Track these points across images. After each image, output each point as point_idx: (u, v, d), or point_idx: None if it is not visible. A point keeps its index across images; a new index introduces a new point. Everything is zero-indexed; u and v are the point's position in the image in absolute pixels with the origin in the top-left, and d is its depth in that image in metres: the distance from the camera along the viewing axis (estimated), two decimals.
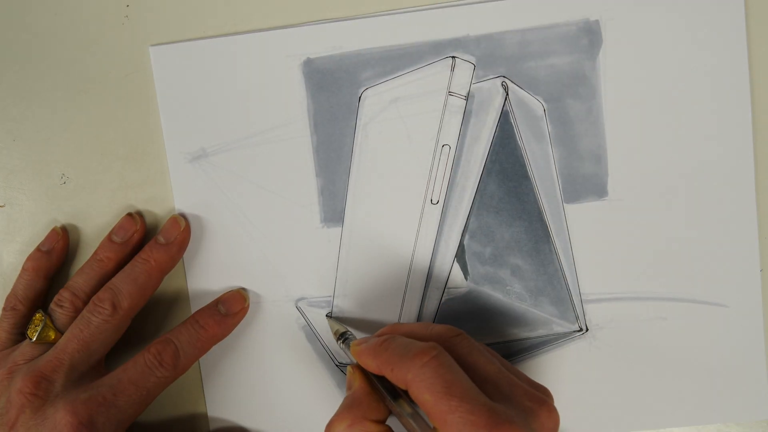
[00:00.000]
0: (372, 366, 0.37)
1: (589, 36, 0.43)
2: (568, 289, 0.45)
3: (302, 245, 0.46)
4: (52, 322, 0.43)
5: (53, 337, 0.43)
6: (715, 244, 0.44)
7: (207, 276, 0.46)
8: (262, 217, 0.45)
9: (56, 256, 0.46)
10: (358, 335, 0.43)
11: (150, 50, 0.45)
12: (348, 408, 0.37)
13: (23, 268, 0.46)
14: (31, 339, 0.43)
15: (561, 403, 0.44)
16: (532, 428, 0.33)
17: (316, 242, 0.46)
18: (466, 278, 0.45)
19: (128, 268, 0.44)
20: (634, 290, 0.45)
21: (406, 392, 0.36)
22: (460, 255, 0.45)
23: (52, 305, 0.44)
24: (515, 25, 0.44)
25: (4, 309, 0.45)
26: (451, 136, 0.44)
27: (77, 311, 0.43)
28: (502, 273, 0.45)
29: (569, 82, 0.44)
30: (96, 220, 0.47)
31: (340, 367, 0.46)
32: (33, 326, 0.43)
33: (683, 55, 0.43)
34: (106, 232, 0.46)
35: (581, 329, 0.45)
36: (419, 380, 0.34)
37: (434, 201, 0.44)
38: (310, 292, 0.46)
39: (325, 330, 0.46)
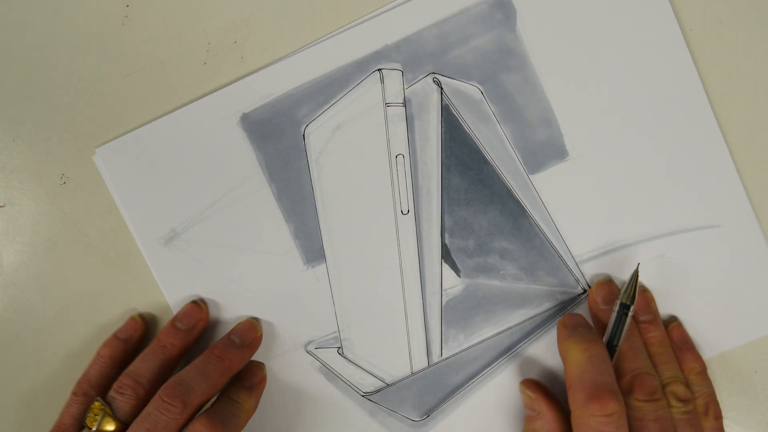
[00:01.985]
0: (565, 358, 0.40)
1: (502, 9, 0.44)
2: (560, 256, 0.45)
3: (293, 291, 0.46)
4: (113, 410, 0.41)
5: (113, 428, 0.41)
6: (689, 169, 0.44)
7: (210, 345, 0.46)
8: (247, 277, 0.46)
9: (133, 344, 0.46)
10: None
11: (97, 153, 0.46)
12: None
13: (99, 354, 0.45)
14: (91, 429, 0.41)
15: None
16: None
17: (305, 285, 0.46)
18: (458, 275, 0.45)
19: (200, 364, 0.42)
20: (624, 238, 0.44)
21: None
22: (446, 255, 0.45)
23: (112, 392, 0.42)
24: (428, 20, 0.44)
25: (74, 393, 0.44)
26: (401, 145, 0.44)
27: (139, 399, 0.42)
28: (492, 259, 0.45)
29: (497, 58, 0.44)
30: (96, 220, 0.47)
31: (367, 396, 0.46)
32: (93, 415, 0.41)
33: (600, 4, 0.43)
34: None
35: (585, 291, 0.45)
36: (582, 421, 0.37)
37: (404, 211, 0.45)
38: (315, 334, 0.46)
39: (341, 365, 0.46)
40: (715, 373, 0.45)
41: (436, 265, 0.45)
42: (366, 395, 0.46)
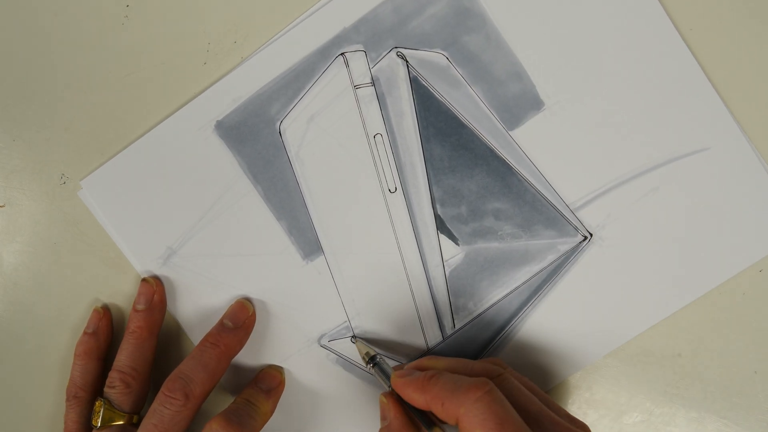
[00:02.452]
0: (418, 401, 0.38)
1: None
2: (555, 207, 0.44)
3: (297, 288, 0.46)
4: (111, 404, 0.44)
5: (117, 420, 0.43)
6: (668, 98, 0.43)
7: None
8: (249, 281, 0.46)
9: (103, 335, 0.47)
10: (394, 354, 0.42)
11: (82, 185, 0.46)
12: None
13: (75, 354, 0.46)
14: (96, 426, 0.43)
15: (603, 311, 0.43)
16: None
17: (307, 280, 0.46)
18: (457, 244, 0.45)
19: (197, 353, 0.43)
20: (614, 176, 0.44)
21: (443, 423, 0.37)
22: (441, 226, 0.45)
23: (105, 389, 0.44)
24: None
25: (67, 399, 0.45)
26: (377, 125, 0.44)
27: (129, 387, 0.44)
28: (487, 222, 0.45)
29: (456, 22, 0.44)
30: (96, 220, 0.47)
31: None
32: (96, 414, 0.44)
33: None
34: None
35: (585, 237, 0.44)
36: (472, 415, 0.35)
37: (392, 189, 0.44)
38: (326, 327, 0.46)
39: (356, 355, 0.46)
40: (714, 373, 0.44)
41: (432, 237, 0.45)
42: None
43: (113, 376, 0.44)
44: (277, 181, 0.45)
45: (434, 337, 0.46)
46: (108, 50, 0.46)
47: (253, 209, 0.46)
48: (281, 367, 0.46)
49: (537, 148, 0.44)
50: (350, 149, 0.44)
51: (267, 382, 0.45)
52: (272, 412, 0.45)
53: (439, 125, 0.44)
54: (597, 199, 0.44)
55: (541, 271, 0.45)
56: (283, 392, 0.46)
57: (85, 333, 0.47)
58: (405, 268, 0.45)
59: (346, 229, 0.45)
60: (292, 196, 0.45)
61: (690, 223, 0.43)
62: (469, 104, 0.44)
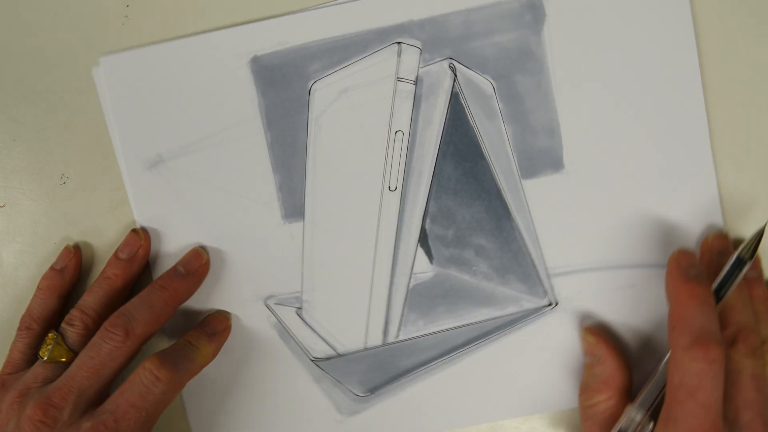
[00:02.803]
0: (673, 299, 0.39)
1: (532, 11, 0.44)
2: (534, 265, 0.45)
3: (266, 243, 0.46)
4: (64, 341, 0.43)
5: (65, 358, 0.42)
6: (676, 209, 0.44)
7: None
8: (223, 218, 0.46)
9: (69, 274, 0.46)
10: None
11: (99, 64, 0.45)
12: (605, 382, 0.41)
13: (38, 287, 0.45)
14: (42, 358, 0.42)
15: (535, 377, 0.44)
16: None
17: (279, 239, 0.46)
18: (431, 262, 0.45)
19: (144, 294, 0.43)
20: (599, 260, 0.45)
21: None
22: (423, 239, 0.45)
23: (63, 324, 0.43)
24: (458, 6, 0.44)
25: (18, 329, 0.44)
26: (403, 122, 0.44)
27: (88, 329, 0.43)
28: (467, 254, 0.45)
29: (516, 58, 0.44)
30: (96, 220, 0.47)
31: (316, 362, 0.46)
32: (45, 346, 0.42)
33: (626, 24, 0.43)
34: (114, 247, 0.46)
35: (551, 303, 0.45)
36: (682, 363, 0.36)
37: (392, 188, 0.44)
38: (277, 290, 0.46)
39: (297, 326, 0.46)
40: None
41: (411, 247, 0.45)
42: (315, 360, 0.46)
43: (74, 315, 0.43)
44: (288, 136, 0.45)
45: (375, 339, 0.46)
46: (108, 50, 0.46)
47: (255, 153, 0.45)
48: (229, 313, 0.46)
49: (542, 204, 0.44)
50: (369, 134, 0.44)
51: (213, 326, 0.45)
52: (213, 355, 0.44)
53: (460, 147, 0.44)
54: (575, 274, 0.45)
55: (497, 317, 0.45)
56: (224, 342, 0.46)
57: (52, 268, 0.46)
58: (374, 265, 0.45)
59: (334, 206, 0.45)
60: (296, 155, 0.45)
61: (654, 323, 0.45)
62: (496, 139, 0.44)
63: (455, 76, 0.44)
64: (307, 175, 0.45)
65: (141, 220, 0.46)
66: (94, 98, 0.46)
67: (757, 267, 0.43)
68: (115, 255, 0.45)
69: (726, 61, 0.44)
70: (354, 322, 0.46)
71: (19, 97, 0.46)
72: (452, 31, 0.44)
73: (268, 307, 0.46)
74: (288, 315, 0.46)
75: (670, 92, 0.43)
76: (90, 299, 0.44)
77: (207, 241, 0.46)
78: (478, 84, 0.44)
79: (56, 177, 0.47)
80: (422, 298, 0.45)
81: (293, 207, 0.45)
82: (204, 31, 0.45)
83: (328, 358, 0.46)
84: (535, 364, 0.45)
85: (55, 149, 0.47)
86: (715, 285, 0.40)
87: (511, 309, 0.45)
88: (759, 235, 0.40)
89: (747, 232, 0.44)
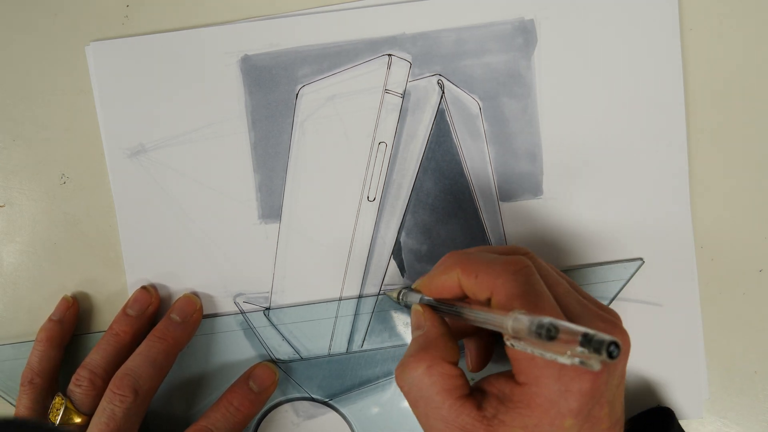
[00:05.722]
0: (448, 282, 0.36)
1: (524, 35, 0.44)
2: None
3: (240, 241, 0.46)
4: (73, 404, 0.41)
5: (78, 420, 0.41)
6: (651, 244, 0.44)
7: (145, 270, 0.46)
8: (200, 213, 0.46)
9: (68, 324, 0.45)
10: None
11: (90, 46, 0.45)
12: (424, 349, 0.35)
13: (36, 339, 0.45)
14: (55, 424, 0.41)
15: None
16: None
17: (253, 238, 0.46)
18: (402, 275, 0.45)
19: (144, 349, 0.42)
20: None
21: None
22: (397, 252, 0.45)
23: (71, 386, 0.42)
24: (451, 23, 0.44)
25: (21, 384, 0.44)
26: (387, 134, 0.44)
27: (96, 389, 0.42)
28: None
29: (504, 80, 0.44)
30: (96, 220, 0.47)
31: (278, 363, 0.46)
32: (54, 411, 0.42)
33: (617, 55, 0.43)
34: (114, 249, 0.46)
35: None
36: (510, 286, 0.33)
37: (371, 198, 0.45)
38: (247, 288, 0.46)
39: (263, 326, 0.46)
40: (714, 373, 0.45)
41: (384, 258, 0.45)
42: (278, 362, 0.46)
43: (82, 375, 0.42)
44: (271, 137, 0.45)
45: (339, 347, 0.46)
46: None
47: (237, 150, 0.45)
48: (275, 366, 0.46)
49: (517, 228, 0.45)
50: (352, 143, 0.44)
51: (260, 381, 0.44)
52: (256, 414, 0.45)
53: (442, 164, 0.44)
54: None
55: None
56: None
57: (50, 320, 0.45)
58: (345, 272, 0.45)
59: (312, 211, 0.45)
60: (278, 157, 0.45)
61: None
62: (477, 159, 0.44)
63: (443, 92, 0.44)
64: (288, 178, 0.45)
65: (120, 209, 0.46)
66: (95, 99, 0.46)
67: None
68: (124, 311, 0.44)
69: (711, 96, 0.44)
70: (321, 327, 0.46)
71: (19, 97, 0.47)
72: (443, 47, 0.44)
73: (236, 304, 0.46)
74: (255, 315, 0.46)
75: (655, 128, 0.44)
76: (98, 357, 0.42)
77: (181, 233, 0.46)
78: (465, 103, 0.44)
79: (56, 177, 0.47)
80: (390, 312, 0.46)
81: (270, 208, 0.46)
82: (198, 28, 0.45)
83: (290, 361, 0.46)
84: None
85: (55, 149, 0.47)
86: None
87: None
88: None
89: (719, 263, 0.45)
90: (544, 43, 0.44)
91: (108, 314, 0.47)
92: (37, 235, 0.47)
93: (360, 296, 0.45)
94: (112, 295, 0.47)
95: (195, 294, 0.46)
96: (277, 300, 0.46)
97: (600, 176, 0.44)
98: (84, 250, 0.47)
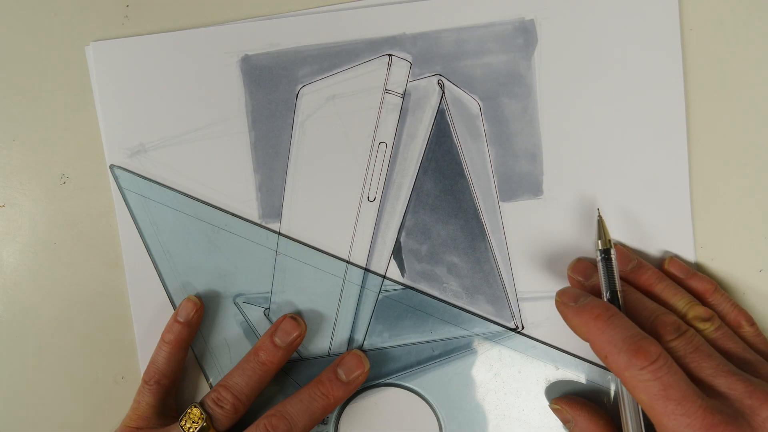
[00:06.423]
0: (585, 334, 0.38)
1: (524, 35, 0.44)
2: (504, 288, 0.45)
3: (240, 242, 0.46)
4: (212, 421, 0.42)
5: None
6: (651, 245, 0.44)
7: (146, 271, 0.46)
8: (201, 216, 0.46)
9: (194, 326, 0.45)
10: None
11: (90, 46, 0.45)
12: None
13: (163, 340, 0.45)
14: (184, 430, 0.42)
15: (493, 401, 0.44)
16: (752, 426, 0.34)
17: (253, 238, 0.46)
18: (402, 275, 0.45)
19: (305, 398, 0.42)
20: None
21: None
22: (397, 252, 0.45)
23: (210, 403, 0.42)
24: (451, 23, 0.44)
25: (146, 382, 0.44)
26: (387, 134, 0.44)
27: (237, 413, 0.42)
28: (438, 270, 0.45)
29: (505, 80, 0.44)
30: (96, 220, 0.47)
31: None
32: (190, 421, 0.42)
33: (617, 56, 0.43)
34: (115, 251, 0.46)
35: (517, 327, 0.45)
36: (636, 380, 0.35)
37: (371, 198, 0.45)
38: (248, 288, 0.46)
39: (263, 326, 0.46)
40: None
41: (384, 258, 0.45)
42: None
43: (225, 397, 0.42)
44: (271, 137, 0.45)
45: (339, 346, 0.46)
46: None
47: (237, 151, 0.45)
48: (365, 356, 0.45)
49: (516, 228, 0.45)
50: (352, 143, 0.44)
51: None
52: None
53: (442, 164, 0.44)
54: (544, 300, 0.45)
55: (463, 336, 0.46)
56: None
57: (176, 321, 0.45)
58: (345, 273, 0.45)
59: (312, 211, 0.45)
60: (278, 157, 0.45)
61: None
62: (477, 159, 0.44)
63: (443, 93, 0.44)
64: (288, 178, 0.45)
65: (120, 214, 0.46)
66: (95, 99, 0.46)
67: (628, 257, 0.43)
68: (272, 341, 0.44)
69: (711, 96, 0.44)
70: (320, 327, 0.46)
71: (19, 97, 0.46)
72: (444, 48, 0.44)
73: (236, 304, 0.46)
74: (255, 315, 0.46)
75: (655, 129, 0.44)
76: (242, 383, 0.43)
77: (181, 233, 0.46)
78: (465, 103, 0.44)
79: (56, 177, 0.47)
80: (390, 311, 0.46)
81: (271, 207, 0.46)
82: (198, 28, 0.45)
83: (291, 361, 0.46)
84: (492, 387, 0.45)
85: (54, 149, 0.47)
86: (606, 294, 0.40)
87: (477, 329, 0.45)
88: (600, 224, 0.41)
89: (719, 263, 0.45)
90: (544, 43, 0.44)
91: (108, 314, 0.47)
92: (37, 235, 0.47)
93: (360, 296, 0.45)
94: (112, 295, 0.47)
95: (365, 356, 0.45)
96: (277, 300, 0.46)
97: (600, 176, 0.44)
98: (84, 250, 0.47)
